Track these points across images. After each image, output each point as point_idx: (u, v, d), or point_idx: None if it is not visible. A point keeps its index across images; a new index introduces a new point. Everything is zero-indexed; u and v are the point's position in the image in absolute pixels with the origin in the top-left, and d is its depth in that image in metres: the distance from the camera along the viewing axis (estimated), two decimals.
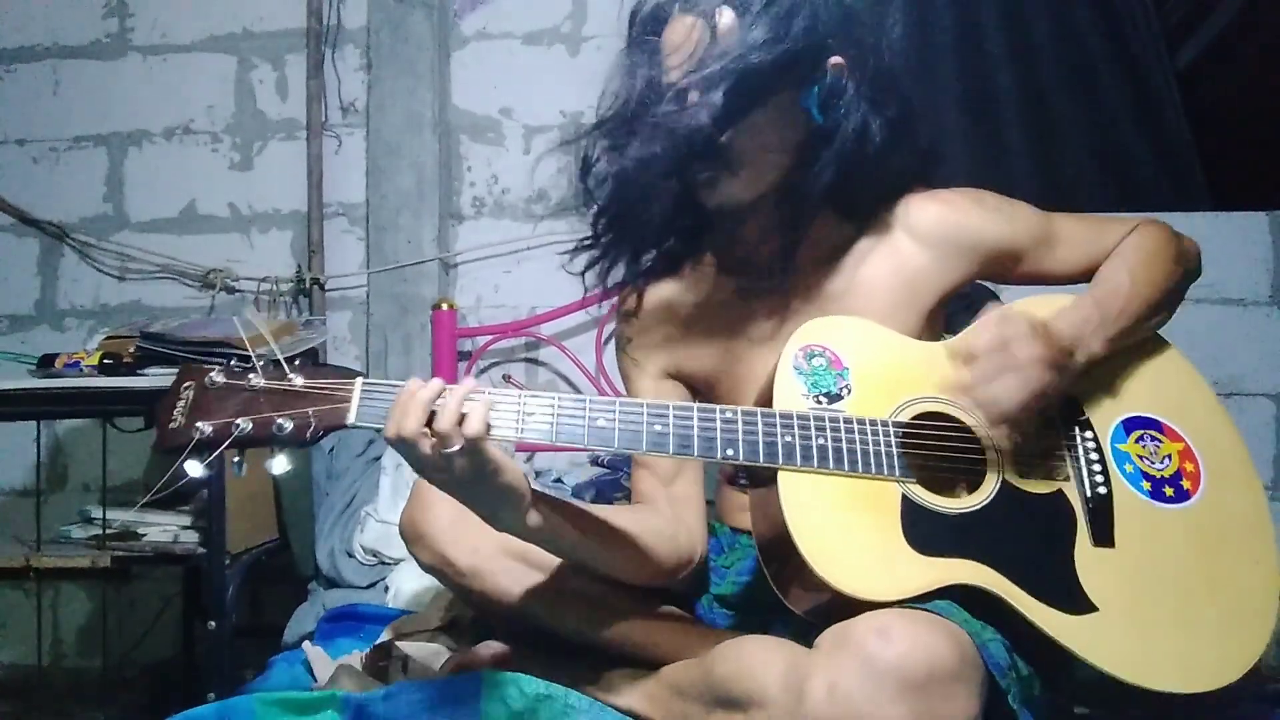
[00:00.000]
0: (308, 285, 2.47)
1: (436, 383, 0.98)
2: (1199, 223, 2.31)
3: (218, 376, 1.00)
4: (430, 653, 1.33)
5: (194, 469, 0.98)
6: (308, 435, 0.98)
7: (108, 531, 2.03)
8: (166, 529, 2.03)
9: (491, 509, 1.05)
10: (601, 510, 1.18)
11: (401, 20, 2.47)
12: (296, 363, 1.01)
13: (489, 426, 0.98)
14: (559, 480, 2.23)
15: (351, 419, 0.99)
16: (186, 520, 2.03)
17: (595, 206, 1.24)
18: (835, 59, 1.16)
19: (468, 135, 2.54)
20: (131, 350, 1.97)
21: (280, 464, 1.01)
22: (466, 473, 0.98)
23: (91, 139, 2.61)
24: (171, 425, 0.99)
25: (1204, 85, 2.58)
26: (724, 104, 1.10)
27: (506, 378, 2.45)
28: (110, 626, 2.47)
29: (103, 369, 1.96)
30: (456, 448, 0.96)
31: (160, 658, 2.43)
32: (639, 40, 1.20)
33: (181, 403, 1.00)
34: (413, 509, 1.28)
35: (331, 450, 2.19)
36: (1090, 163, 2.56)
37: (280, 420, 0.98)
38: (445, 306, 2.38)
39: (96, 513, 2.07)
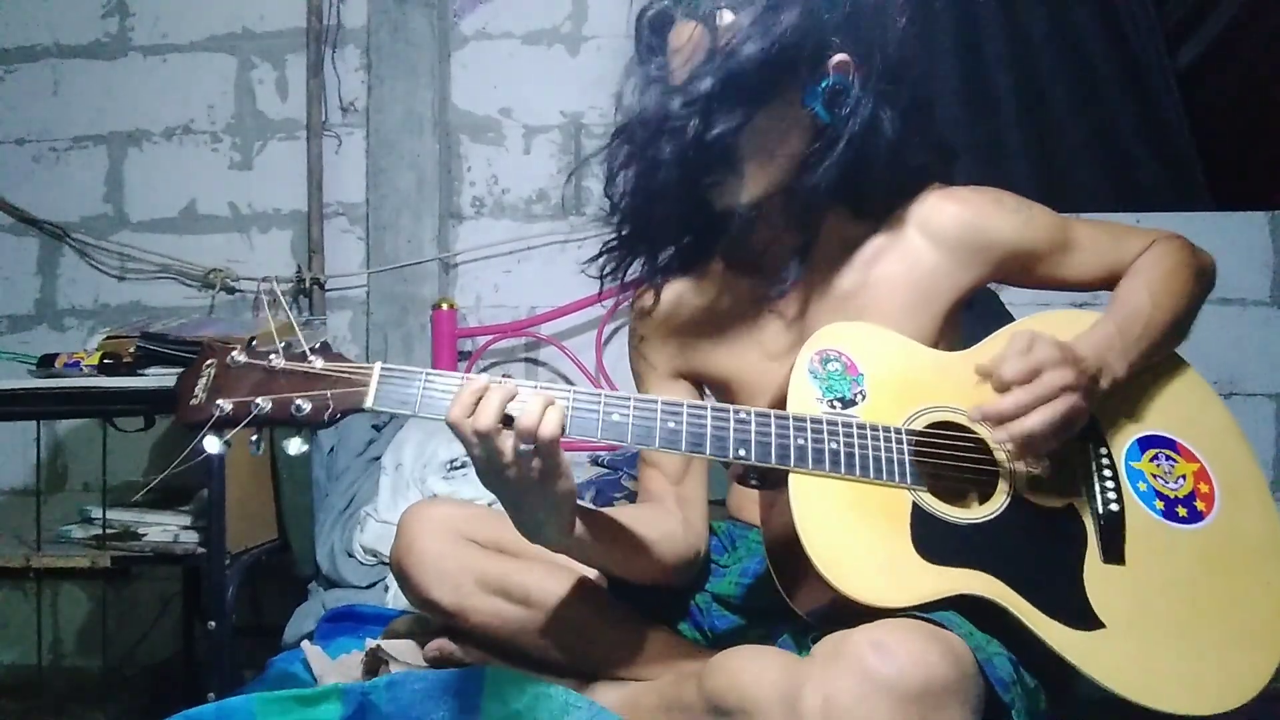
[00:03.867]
0: (308, 285, 2.47)
1: (510, 383, 0.99)
2: (1199, 223, 2.32)
3: (239, 355, 1.01)
4: (409, 649, 1.34)
5: (212, 445, 0.99)
6: (325, 417, 0.99)
7: (108, 531, 2.03)
8: (166, 529, 2.02)
9: (541, 518, 1.05)
10: (620, 514, 1.19)
11: (401, 20, 2.47)
12: (316, 346, 1.02)
13: (564, 428, 0.99)
14: None
15: (369, 403, 0.99)
16: (186, 520, 2.03)
17: (618, 216, 1.24)
18: (839, 57, 1.15)
19: (468, 135, 2.54)
20: (131, 350, 1.96)
21: (296, 445, 1.02)
22: (537, 473, 0.98)
23: (91, 139, 2.61)
24: (192, 402, 1.00)
25: (1204, 85, 2.58)
26: (722, 106, 1.10)
27: (505, 377, 2.45)
28: (110, 626, 2.47)
29: (103, 369, 1.96)
30: (533, 446, 0.97)
31: (160, 658, 2.43)
32: (645, 47, 1.20)
33: (203, 379, 1.01)
34: (397, 550, 1.29)
35: (331, 450, 2.19)
36: (1090, 163, 2.56)
37: (299, 401, 0.99)
38: (445, 306, 2.38)
39: (96, 513, 2.07)
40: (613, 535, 1.16)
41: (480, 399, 0.97)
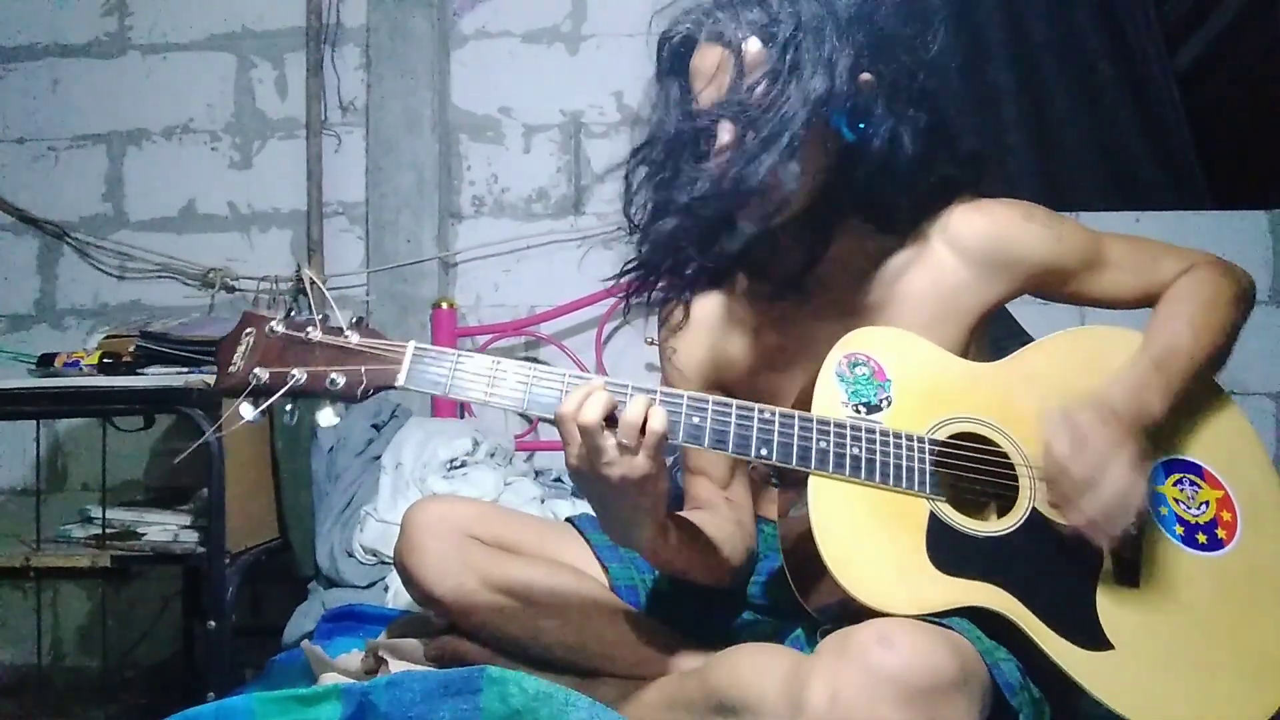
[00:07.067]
0: (307, 285, 2.47)
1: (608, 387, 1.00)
2: (1199, 222, 2.31)
3: (278, 326, 1.02)
4: (410, 648, 1.34)
5: (247, 412, 1.00)
6: (358, 392, 1.00)
7: (107, 531, 2.03)
8: (166, 528, 2.03)
9: (633, 519, 1.06)
10: (687, 519, 1.20)
11: (401, 19, 2.47)
12: (354, 321, 1.02)
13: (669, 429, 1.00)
14: (559, 480, 2.23)
15: (402, 380, 1.00)
16: (186, 520, 2.03)
17: (638, 232, 1.24)
18: (865, 76, 1.12)
19: (467, 134, 2.54)
20: (131, 349, 1.97)
21: (327, 417, 1.02)
22: (637, 472, 0.99)
23: (91, 138, 2.61)
24: (230, 368, 1.01)
25: (1204, 85, 2.58)
26: (760, 145, 1.08)
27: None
28: (110, 626, 2.47)
29: (102, 368, 1.96)
30: (635, 444, 0.98)
31: (160, 657, 2.43)
32: (668, 69, 1.18)
33: (241, 347, 1.02)
34: (402, 549, 1.28)
35: (331, 450, 2.19)
36: (1090, 163, 2.56)
37: (334, 375, 1.00)
38: (445, 305, 2.38)
39: (96, 512, 2.07)
40: (692, 538, 1.17)
41: (589, 395, 0.98)
